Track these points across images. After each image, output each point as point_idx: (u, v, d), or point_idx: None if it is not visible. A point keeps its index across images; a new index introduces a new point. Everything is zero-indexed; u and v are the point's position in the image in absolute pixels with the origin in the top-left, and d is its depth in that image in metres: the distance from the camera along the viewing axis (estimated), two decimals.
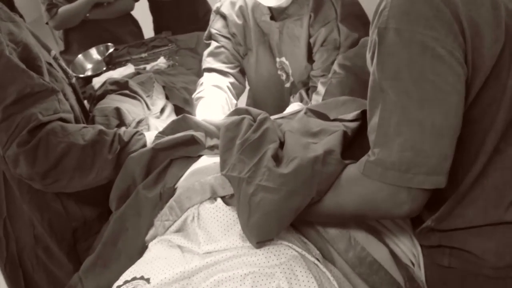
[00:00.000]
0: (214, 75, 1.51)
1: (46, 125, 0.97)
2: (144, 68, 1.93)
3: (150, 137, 1.11)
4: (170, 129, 1.06)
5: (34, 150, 0.95)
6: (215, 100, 1.43)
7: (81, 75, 1.98)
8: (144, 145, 1.08)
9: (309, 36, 1.37)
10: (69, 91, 1.15)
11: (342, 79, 1.18)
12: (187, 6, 2.55)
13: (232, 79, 1.53)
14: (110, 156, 1.03)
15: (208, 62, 1.53)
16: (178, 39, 2.21)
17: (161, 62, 1.96)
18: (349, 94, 1.10)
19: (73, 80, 1.23)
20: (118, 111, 1.24)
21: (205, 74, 1.54)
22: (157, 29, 2.63)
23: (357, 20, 1.32)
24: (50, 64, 1.10)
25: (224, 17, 1.49)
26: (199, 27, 2.47)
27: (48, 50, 1.16)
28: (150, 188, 0.94)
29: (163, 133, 1.06)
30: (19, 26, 1.03)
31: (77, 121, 1.12)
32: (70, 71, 1.23)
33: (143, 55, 2.13)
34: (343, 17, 1.30)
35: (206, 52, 1.55)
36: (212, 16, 1.54)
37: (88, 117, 1.28)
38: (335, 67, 1.21)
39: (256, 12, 1.44)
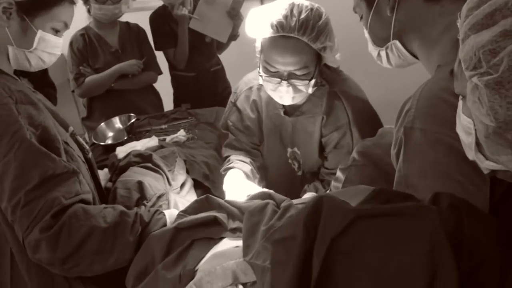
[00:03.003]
0: (239, 156, 1.58)
1: (68, 208, 0.97)
2: (164, 140, 1.98)
3: (170, 215, 1.11)
4: (192, 208, 1.08)
5: (56, 235, 0.94)
6: (242, 169, 1.51)
7: (102, 143, 2.03)
8: (164, 225, 1.08)
9: (321, 135, 1.44)
10: (84, 168, 1.15)
11: (361, 167, 1.20)
12: (207, 81, 2.68)
13: (253, 165, 1.60)
14: (132, 238, 1.02)
15: (228, 151, 1.61)
16: (198, 113, 2.29)
17: (181, 134, 2.02)
18: (369, 183, 1.11)
19: (90, 155, 1.24)
20: (140, 185, 1.26)
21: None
22: (177, 101, 2.73)
23: (369, 125, 1.38)
24: (67, 143, 1.11)
25: (239, 110, 1.58)
26: (218, 102, 2.58)
27: (66, 127, 1.17)
28: (170, 269, 0.93)
29: (185, 212, 1.08)
30: (38, 108, 1.04)
31: (92, 199, 1.11)
32: (87, 147, 1.24)
33: (163, 126, 2.20)
34: (355, 122, 1.37)
35: (225, 143, 1.63)
36: (229, 107, 1.63)
37: (101, 192, 1.27)
38: (354, 154, 1.24)
39: (269, 106, 1.52)
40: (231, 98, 1.62)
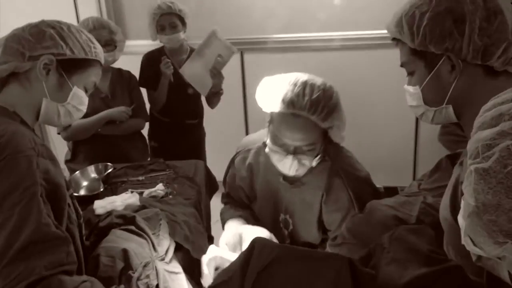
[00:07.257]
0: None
1: (45, 279, 0.91)
2: (141, 193, 1.93)
3: None
4: None
5: None
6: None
7: (76, 194, 1.94)
8: None
9: (321, 208, 1.45)
10: (77, 233, 1.12)
11: (351, 247, 1.22)
12: (179, 130, 2.73)
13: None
14: None
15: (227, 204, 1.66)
16: (176, 166, 2.25)
17: (159, 189, 1.96)
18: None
19: (81, 220, 1.21)
20: (125, 253, 1.20)
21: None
22: (150, 136, 2.80)
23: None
24: (68, 204, 1.09)
25: (234, 169, 1.61)
26: (195, 154, 2.58)
27: (68, 188, 1.15)
28: None
29: None
30: (56, 165, 1.06)
31: (79, 266, 1.06)
32: (80, 212, 1.21)
33: (140, 178, 2.15)
34: (357, 202, 1.38)
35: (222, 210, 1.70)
36: (229, 164, 1.66)
37: (86, 255, 1.21)
38: (344, 232, 1.26)
39: (268, 173, 1.52)
40: (233, 156, 1.66)
